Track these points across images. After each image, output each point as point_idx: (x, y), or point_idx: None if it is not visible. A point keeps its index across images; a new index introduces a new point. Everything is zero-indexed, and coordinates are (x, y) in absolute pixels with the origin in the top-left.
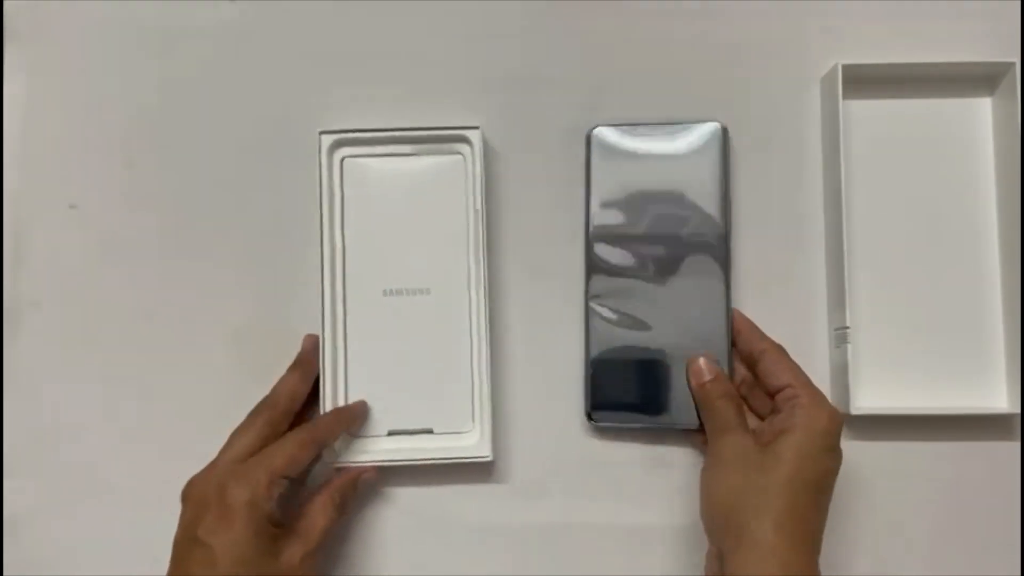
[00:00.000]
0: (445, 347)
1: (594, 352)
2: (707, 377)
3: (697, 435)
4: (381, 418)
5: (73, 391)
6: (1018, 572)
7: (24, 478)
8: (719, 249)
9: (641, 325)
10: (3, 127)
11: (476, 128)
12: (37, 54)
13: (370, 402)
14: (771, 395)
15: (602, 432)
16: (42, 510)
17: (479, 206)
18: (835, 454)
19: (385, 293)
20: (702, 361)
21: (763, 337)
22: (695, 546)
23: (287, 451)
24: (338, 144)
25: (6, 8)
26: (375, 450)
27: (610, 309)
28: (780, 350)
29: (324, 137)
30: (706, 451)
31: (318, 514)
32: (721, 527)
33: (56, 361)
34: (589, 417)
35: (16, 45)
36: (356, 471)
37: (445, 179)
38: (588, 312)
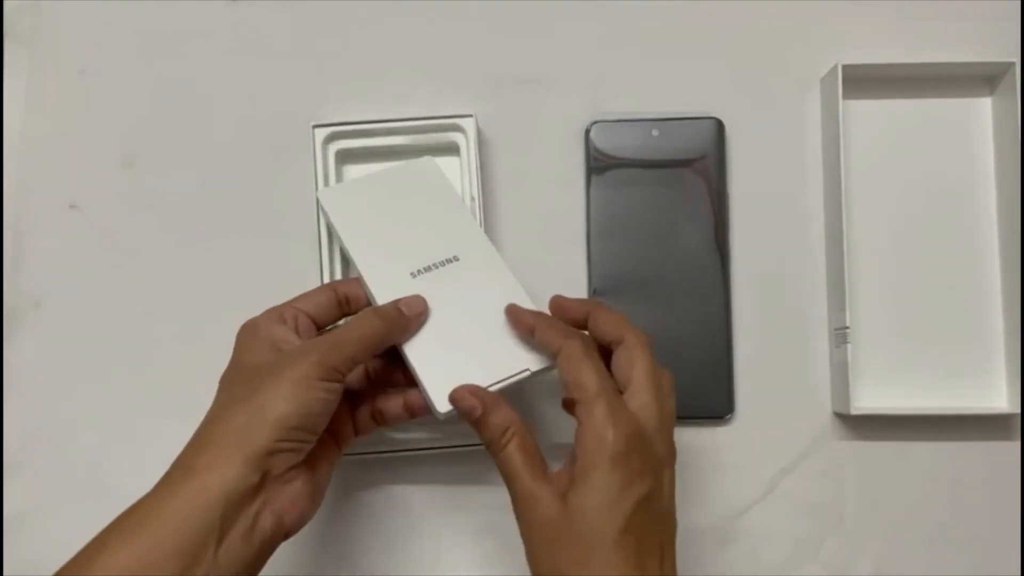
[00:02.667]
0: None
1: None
2: (477, 413)
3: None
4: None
5: (73, 391)
6: (1018, 572)
7: (24, 478)
8: (718, 239)
9: (644, 321)
10: (3, 127)
11: (470, 116)
12: (37, 54)
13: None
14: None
15: None
16: (42, 510)
17: (476, 193)
18: (640, 479)
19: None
20: (463, 395)
21: (566, 333)
22: (704, 546)
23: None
24: (332, 137)
25: (6, 8)
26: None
27: (613, 306)
28: (580, 346)
29: (318, 131)
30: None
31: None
32: None
33: (56, 361)
34: None
35: (16, 45)
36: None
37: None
38: None
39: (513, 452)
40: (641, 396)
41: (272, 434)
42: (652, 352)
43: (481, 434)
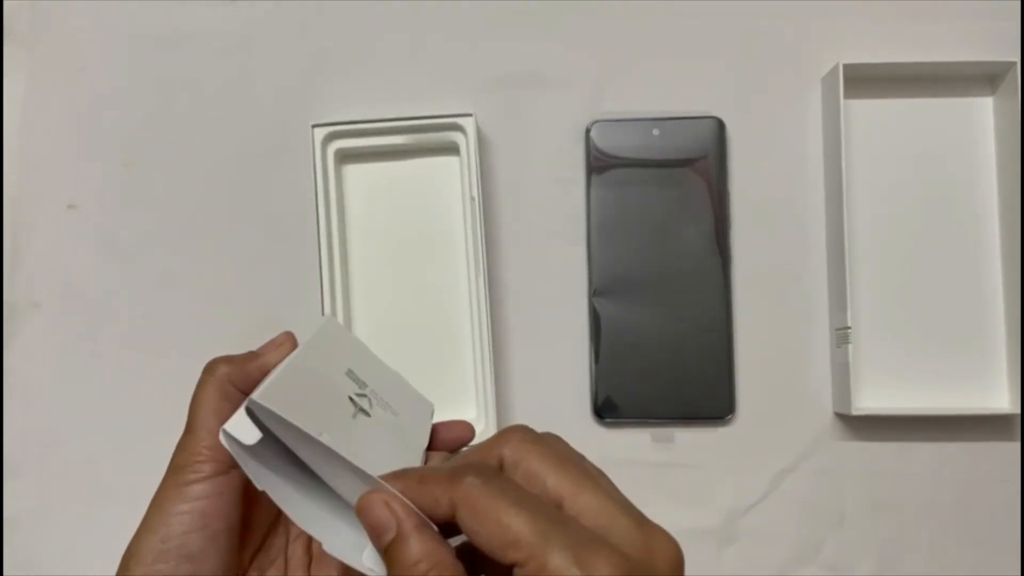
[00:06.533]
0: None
1: (600, 350)
2: (390, 536)
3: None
4: None
5: (73, 391)
6: (1018, 572)
7: (24, 478)
8: (719, 239)
9: (644, 321)
10: (3, 127)
11: (470, 116)
12: (37, 54)
13: None
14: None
15: (611, 430)
16: (42, 510)
17: (475, 193)
18: None
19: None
20: (377, 503)
21: (452, 475)
22: (705, 547)
23: None
24: (332, 137)
25: (6, 8)
26: None
27: (613, 306)
28: (482, 481)
29: (317, 130)
30: None
31: None
32: None
33: (56, 361)
34: (599, 415)
35: (16, 45)
36: None
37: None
38: (592, 309)
39: None
40: (593, 507)
41: None
42: (536, 436)
43: (390, 567)
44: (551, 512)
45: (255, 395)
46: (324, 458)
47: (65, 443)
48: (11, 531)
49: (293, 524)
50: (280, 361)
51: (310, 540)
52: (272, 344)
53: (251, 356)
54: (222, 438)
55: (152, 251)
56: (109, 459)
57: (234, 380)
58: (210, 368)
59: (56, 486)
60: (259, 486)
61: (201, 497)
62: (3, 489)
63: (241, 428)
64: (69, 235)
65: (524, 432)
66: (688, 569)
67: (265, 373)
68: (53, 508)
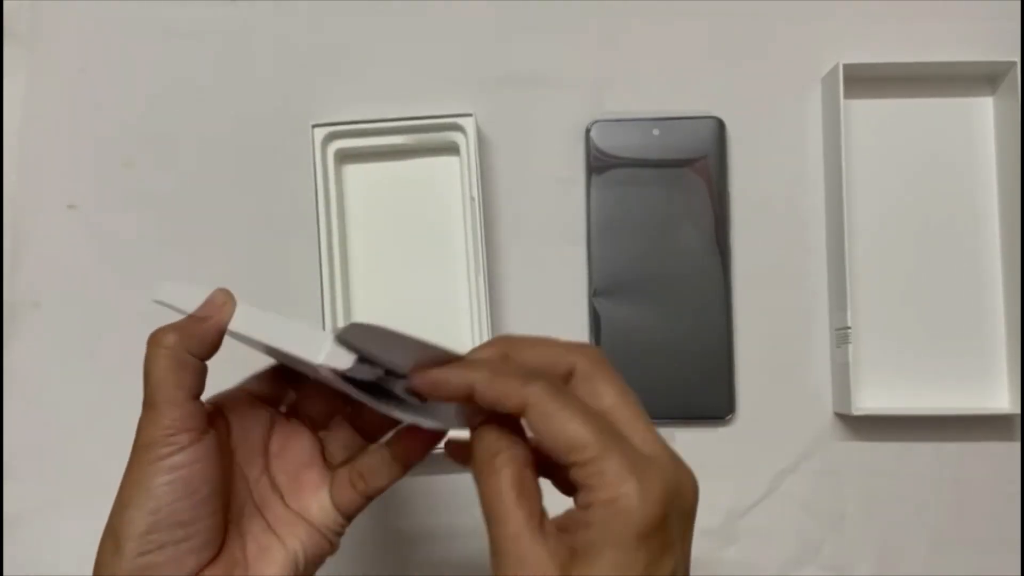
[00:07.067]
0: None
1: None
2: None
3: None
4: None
5: (73, 391)
6: (1018, 572)
7: (24, 478)
8: (719, 239)
9: (644, 321)
10: (3, 127)
11: (470, 116)
12: (37, 54)
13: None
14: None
15: None
16: (42, 510)
17: (475, 193)
18: (669, 552)
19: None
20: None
21: (524, 379)
22: (705, 547)
23: None
24: (332, 137)
25: (6, 8)
26: None
27: (613, 306)
28: (551, 390)
29: (317, 130)
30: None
31: None
32: None
33: (56, 361)
34: None
35: (16, 45)
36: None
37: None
38: (592, 309)
39: (505, 484)
40: (641, 433)
41: (127, 564)
42: (607, 360)
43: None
44: (611, 427)
45: (352, 323)
46: (415, 351)
47: (65, 443)
48: (11, 531)
49: (249, 467)
50: (230, 319)
51: (273, 478)
52: (214, 305)
53: (199, 320)
54: (321, 371)
55: (152, 251)
56: (109, 459)
57: (188, 346)
58: (157, 340)
59: (56, 486)
60: (367, 402)
61: (183, 466)
62: (3, 489)
63: (338, 357)
64: (69, 235)
65: (599, 350)
66: (691, 570)
67: (221, 332)
68: (53, 508)
